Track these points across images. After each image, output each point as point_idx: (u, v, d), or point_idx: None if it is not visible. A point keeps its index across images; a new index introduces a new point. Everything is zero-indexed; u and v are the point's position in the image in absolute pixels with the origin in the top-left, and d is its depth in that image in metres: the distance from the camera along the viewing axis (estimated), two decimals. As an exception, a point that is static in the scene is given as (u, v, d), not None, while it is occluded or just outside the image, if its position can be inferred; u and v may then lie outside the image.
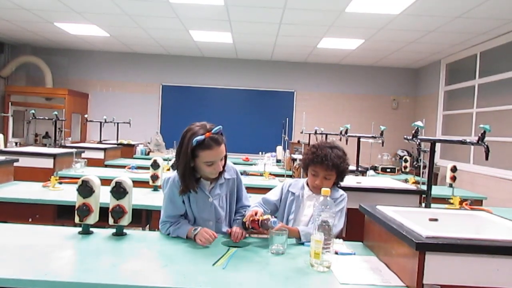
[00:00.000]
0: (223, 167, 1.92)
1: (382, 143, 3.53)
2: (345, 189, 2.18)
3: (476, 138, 1.91)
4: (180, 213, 1.98)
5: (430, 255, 1.36)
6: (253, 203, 2.17)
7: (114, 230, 1.89)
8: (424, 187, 2.27)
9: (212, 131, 1.81)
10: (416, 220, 1.60)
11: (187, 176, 1.86)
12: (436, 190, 3.49)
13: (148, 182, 3.28)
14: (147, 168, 3.45)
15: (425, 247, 1.35)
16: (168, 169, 3.78)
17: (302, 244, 1.89)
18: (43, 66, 7.89)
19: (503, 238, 1.43)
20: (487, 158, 1.89)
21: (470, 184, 5.98)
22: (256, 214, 1.89)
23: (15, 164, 3.39)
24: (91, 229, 1.91)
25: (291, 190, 2.18)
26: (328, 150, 2.05)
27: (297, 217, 2.12)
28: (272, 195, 2.22)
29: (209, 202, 1.97)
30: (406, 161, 5.57)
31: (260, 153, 6.19)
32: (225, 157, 1.92)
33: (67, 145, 5.45)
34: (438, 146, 6.46)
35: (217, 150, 1.82)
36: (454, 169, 3.80)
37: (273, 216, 1.85)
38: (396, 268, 1.56)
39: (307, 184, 2.16)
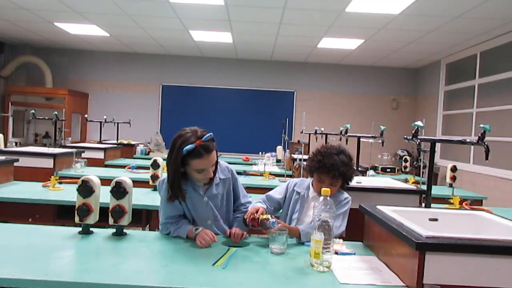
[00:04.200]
0: (214, 171, 1.92)
1: (382, 143, 3.54)
2: (345, 189, 2.18)
3: (476, 138, 1.91)
4: (179, 213, 1.98)
5: (430, 255, 1.36)
6: (256, 200, 2.17)
7: (114, 230, 1.89)
8: (424, 187, 2.27)
9: (203, 138, 1.77)
10: (416, 220, 1.60)
11: (176, 185, 1.85)
12: (436, 190, 3.49)
13: (148, 182, 3.28)
14: (147, 168, 3.45)
15: (425, 247, 1.35)
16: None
17: (302, 244, 1.89)
18: (43, 66, 7.88)
19: (503, 238, 1.43)
20: (487, 158, 1.89)
21: (470, 184, 5.99)
22: (257, 212, 1.89)
23: (15, 164, 3.39)
24: (91, 229, 1.91)
25: (296, 189, 2.18)
26: (335, 158, 2.03)
27: (300, 216, 2.12)
28: (277, 193, 2.22)
29: (205, 201, 1.96)
30: (406, 161, 5.57)
31: (260, 153, 6.19)
32: (216, 162, 1.91)
33: (67, 145, 5.44)
34: (438, 146, 6.47)
35: (208, 158, 1.80)
36: (454, 169, 3.79)
37: (273, 216, 1.84)
38: (396, 268, 1.56)
39: (313, 185, 2.16)
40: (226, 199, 2.05)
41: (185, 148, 1.74)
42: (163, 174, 3.33)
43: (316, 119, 8.10)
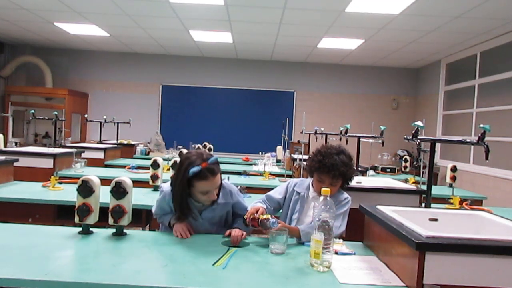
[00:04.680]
0: (218, 193, 1.96)
1: (382, 143, 3.54)
2: (345, 189, 2.18)
3: (476, 138, 1.91)
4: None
5: (430, 255, 1.36)
6: (256, 200, 2.18)
7: (114, 230, 1.89)
8: (424, 187, 2.27)
9: (209, 161, 1.84)
10: (416, 220, 1.60)
11: (184, 205, 1.92)
12: (436, 190, 3.49)
13: (148, 182, 3.28)
14: (147, 168, 3.45)
15: (425, 247, 1.35)
16: (168, 169, 3.78)
17: (302, 244, 1.90)
18: (43, 66, 7.89)
19: (503, 238, 1.43)
20: (487, 158, 1.89)
21: (470, 184, 5.99)
22: (257, 212, 1.89)
23: (15, 164, 3.38)
24: (91, 229, 1.91)
25: (296, 189, 2.19)
26: (335, 158, 2.04)
27: (300, 217, 2.13)
28: (277, 193, 2.22)
29: (200, 222, 2.02)
30: (406, 161, 5.57)
31: (260, 153, 6.18)
32: (220, 185, 1.96)
33: (67, 145, 5.44)
34: (438, 146, 6.46)
35: (213, 180, 1.86)
36: (454, 169, 3.79)
37: (273, 216, 1.85)
38: (396, 268, 1.56)
39: (313, 185, 2.16)
40: (223, 220, 2.10)
41: (191, 170, 1.80)
42: (163, 174, 3.35)
43: (316, 119, 8.09)
